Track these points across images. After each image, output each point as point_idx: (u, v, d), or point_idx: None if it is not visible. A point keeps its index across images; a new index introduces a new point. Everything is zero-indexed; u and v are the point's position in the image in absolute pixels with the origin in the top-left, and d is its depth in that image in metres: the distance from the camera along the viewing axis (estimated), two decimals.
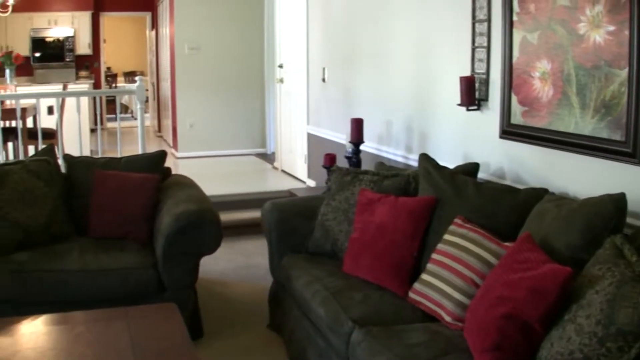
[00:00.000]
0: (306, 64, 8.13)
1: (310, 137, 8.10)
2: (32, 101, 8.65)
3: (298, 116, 8.64)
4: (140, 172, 4.98)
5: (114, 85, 19.28)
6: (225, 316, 5.01)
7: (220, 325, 4.82)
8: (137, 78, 7.38)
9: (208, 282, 5.51)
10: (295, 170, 8.90)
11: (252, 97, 11.31)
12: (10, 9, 10.88)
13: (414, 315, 3.45)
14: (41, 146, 6.98)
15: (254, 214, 6.62)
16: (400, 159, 5.66)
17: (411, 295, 3.56)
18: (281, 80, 9.29)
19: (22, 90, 10.69)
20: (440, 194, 3.86)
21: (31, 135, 8.36)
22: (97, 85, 15.98)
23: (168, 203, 4.65)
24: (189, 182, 5.24)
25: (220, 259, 5.57)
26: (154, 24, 15.54)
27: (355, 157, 5.75)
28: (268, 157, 10.76)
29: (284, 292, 4.41)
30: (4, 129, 7.46)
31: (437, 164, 4.09)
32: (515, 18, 4.04)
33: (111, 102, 17.16)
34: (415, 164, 5.13)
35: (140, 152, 7.03)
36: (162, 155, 5.25)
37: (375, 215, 3.97)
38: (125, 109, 18.61)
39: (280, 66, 9.31)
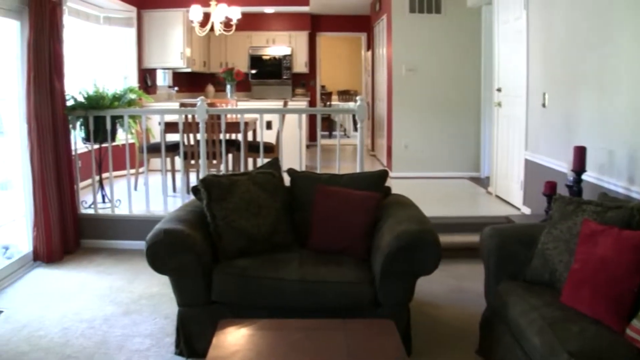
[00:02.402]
0: (526, 88, 7.99)
1: (528, 163, 7.95)
2: (253, 116, 9.09)
3: (516, 141, 8.50)
4: (362, 190, 5.10)
5: (328, 103, 19.76)
6: (434, 337, 5.02)
7: (428, 345, 4.84)
8: (358, 98, 7.57)
9: (419, 302, 5.55)
10: (510, 196, 8.77)
11: (467, 120, 11.29)
12: (233, 28, 11.53)
13: (630, 352, 3.32)
14: (262, 159, 7.31)
15: (469, 238, 6.64)
16: (620, 190, 5.45)
17: (628, 332, 3.44)
18: (499, 104, 9.18)
19: (242, 105, 11.22)
20: None
21: (250, 148, 8.76)
22: (312, 103, 16.52)
23: (389, 222, 4.74)
24: (409, 202, 5.31)
25: (432, 280, 5.57)
26: (369, 45, 15.87)
27: (576, 186, 5.63)
28: (482, 181, 10.69)
29: (497, 318, 4.37)
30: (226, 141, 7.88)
31: None
32: None
33: (324, 120, 17.63)
34: (637, 196, 4.96)
35: (357, 170, 7.22)
36: (384, 174, 5.37)
37: (598, 247, 3.86)
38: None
39: (499, 90, 9.20)
